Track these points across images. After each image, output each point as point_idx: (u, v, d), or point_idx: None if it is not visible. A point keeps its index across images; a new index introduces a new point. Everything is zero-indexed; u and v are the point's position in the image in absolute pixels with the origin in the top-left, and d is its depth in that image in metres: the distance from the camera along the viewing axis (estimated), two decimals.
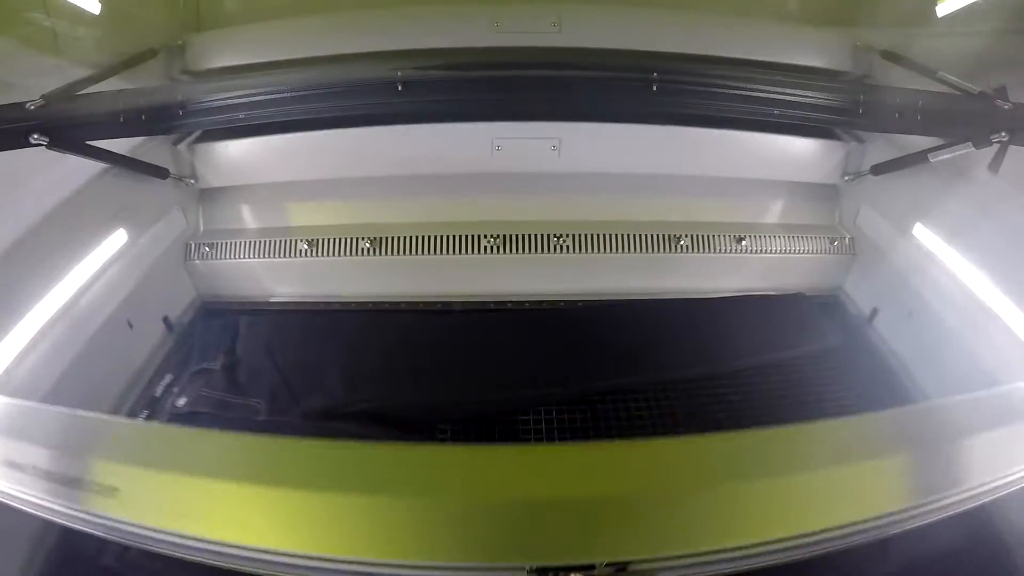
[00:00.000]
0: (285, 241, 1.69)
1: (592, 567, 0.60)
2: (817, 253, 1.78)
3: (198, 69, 1.69)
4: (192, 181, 1.71)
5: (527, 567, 0.60)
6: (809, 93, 1.62)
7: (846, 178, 1.77)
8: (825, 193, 1.84)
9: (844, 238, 1.78)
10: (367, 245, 1.67)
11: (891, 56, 1.63)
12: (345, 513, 0.60)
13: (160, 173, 1.61)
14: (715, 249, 1.73)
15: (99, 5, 1.53)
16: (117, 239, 1.46)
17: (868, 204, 1.73)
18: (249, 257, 1.70)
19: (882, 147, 1.69)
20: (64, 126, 1.31)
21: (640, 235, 1.71)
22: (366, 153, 1.67)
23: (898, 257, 1.60)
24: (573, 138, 1.64)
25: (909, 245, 1.55)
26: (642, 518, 0.60)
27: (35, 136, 1.25)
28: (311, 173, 1.72)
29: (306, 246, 1.68)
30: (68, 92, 1.36)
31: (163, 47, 1.66)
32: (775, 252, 1.76)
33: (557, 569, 0.61)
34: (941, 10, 1.54)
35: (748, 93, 1.59)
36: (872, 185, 1.72)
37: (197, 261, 1.72)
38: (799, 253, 1.77)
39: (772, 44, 1.65)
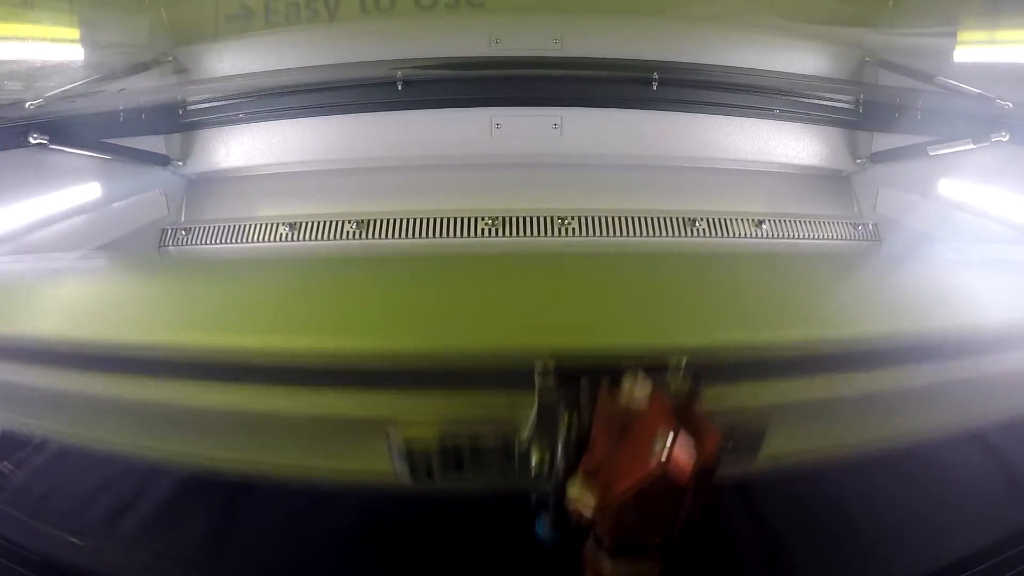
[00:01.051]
0: (264, 225, 1.56)
1: (662, 366, 0.39)
2: (841, 240, 1.65)
3: (197, 76, 1.66)
4: (180, 163, 1.65)
5: (540, 362, 0.40)
6: (810, 93, 1.63)
7: (858, 162, 1.71)
8: (839, 179, 1.76)
9: (867, 224, 1.67)
10: (352, 228, 1.53)
11: (889, 65, 1.64)
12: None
13: (160, 161, 1.58)
14: (734, 234, 1.60)
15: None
16: (90, 191, 1.39)
17: (885, 186, 1.65)
18: (225, 243, 1.57)
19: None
20: (64, 125, 1.32)
21: (653, 218, 1.58)
22: (359, 135, 1.61)
23: (928, 228, 1.48)
24: (575, 118, 1.58)
25: (937, 212, 1.45)
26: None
27: (35, 135, 1.27)
28: (302, 156, 1.63)
29: (287, 230, 1.55)
30: (68, 92, 1.37)
31: (164, 53, 1.64)
32: (797, 238, 1.63)
33: (592, 364, 0.39)
34: (959, 56, 1.50)
35: (749, 94, 1.60)
36: (885, 167, 1.65)
37: (171, 248, 1.59)
38: (823, 239, 1.64)
39: (772, 55, 1.64)
